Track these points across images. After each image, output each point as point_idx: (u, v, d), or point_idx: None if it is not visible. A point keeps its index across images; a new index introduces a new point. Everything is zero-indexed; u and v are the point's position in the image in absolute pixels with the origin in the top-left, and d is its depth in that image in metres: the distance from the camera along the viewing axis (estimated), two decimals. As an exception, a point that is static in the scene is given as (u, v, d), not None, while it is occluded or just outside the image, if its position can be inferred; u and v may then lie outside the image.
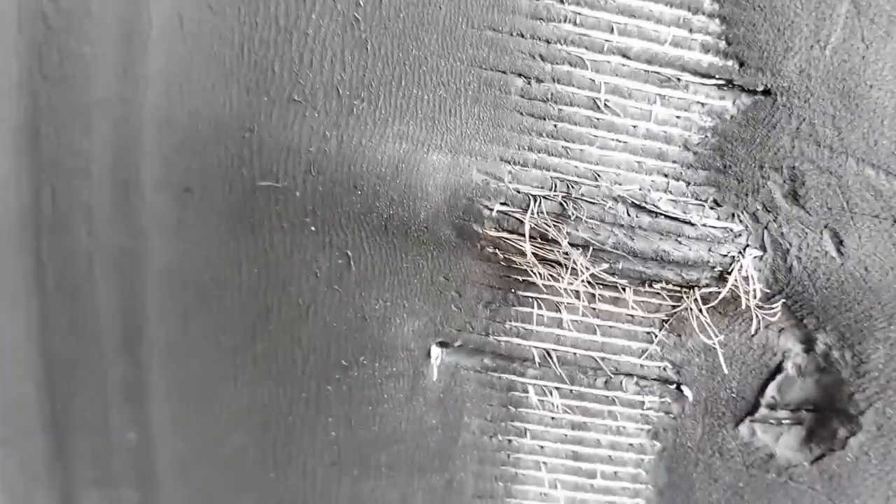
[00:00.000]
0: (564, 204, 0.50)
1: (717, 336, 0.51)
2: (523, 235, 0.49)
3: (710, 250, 0.50)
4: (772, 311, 0.51)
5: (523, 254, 0.50)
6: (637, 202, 0.50)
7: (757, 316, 0.51)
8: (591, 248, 0.50)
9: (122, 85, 0.51)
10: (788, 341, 0.53)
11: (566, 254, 0.50)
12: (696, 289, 0.50)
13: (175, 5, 0.50)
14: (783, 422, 0.54)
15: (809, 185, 0.50)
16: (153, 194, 0.53)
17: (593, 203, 0.50)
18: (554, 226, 0.49)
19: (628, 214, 0.50)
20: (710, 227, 0.50)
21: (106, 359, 0.56)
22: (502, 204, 0.50)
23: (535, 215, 0.49)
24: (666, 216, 0.50)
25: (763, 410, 0.54)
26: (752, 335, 0.52)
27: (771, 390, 0.53)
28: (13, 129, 0.52)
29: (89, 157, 0.53)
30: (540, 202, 0.50)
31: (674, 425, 0.53)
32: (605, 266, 0.50)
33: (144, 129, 0.52)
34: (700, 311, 0.51)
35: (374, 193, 0.51)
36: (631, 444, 0.54)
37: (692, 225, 0.50)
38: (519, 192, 0.50)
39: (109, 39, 0.51)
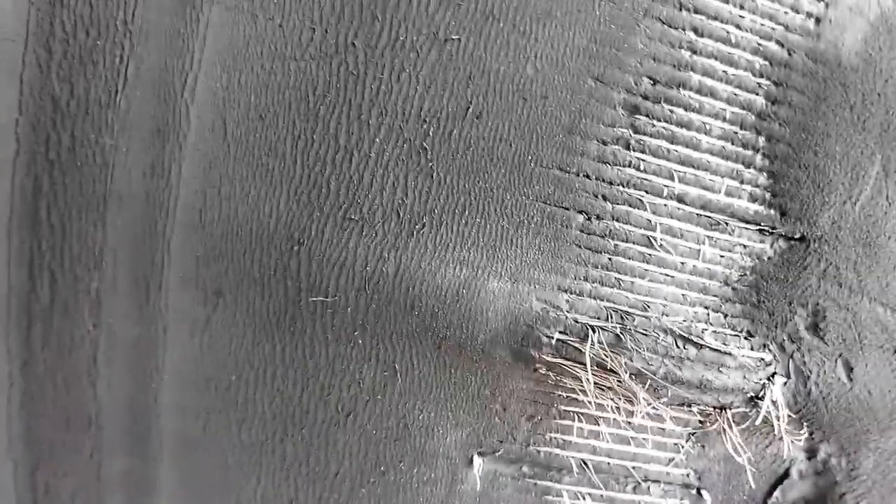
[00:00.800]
0: (621, 336, 0.54)
1: (745, 453, 0.57)
2: (581, 363, 0.54)
3: (744, 377, 0.56)
4: (798, 435, 0.58)
5: (577, 378, 0.55)
6: (685, 334, 0.55)
7: (784, 437, 0.57)
8: (647, 380, 0.54)
9: (149, 182, 0.50)
10: (796, 451, 0.59)
11: (620, 381, 0.54)
12: (727, 410, 0.56)
13: (219, 110, 0.50)
14: (782, 524, 0.62)
15: (829, 320, 0.56)
16: (178, 292, 0.53)
17: (646, 335, 0.54)
18: (612, 356, 0.53)
19: (677, 346, 0.55)
20: (747, 357, 0.56)
21: (104, 450, 0.57)
22: (561, 332, 0.54)
23: (595, 345, 0.53)
24: (710, 348, 0.55)
25: (770, 512, 0.61)
26: (778, 453, 0.58)
27: (777, 493, 0.60)
28: (3, 207, 0.50)
29: (101, 248, 0.52)
30: (598, 333, 0.54)
31: None
32: (665, 399, 0.55)
33: (173, 230, 0.51)
34: (731, 430, 0.56)
35: (432, 315, 0.54)
36: None
37: (732, 356, 0.55)
38: (577, 321, 0.54)
39: (136, 134, 0.50)
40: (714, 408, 0.57)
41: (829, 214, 0.54)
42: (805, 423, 0.59)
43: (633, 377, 0.55)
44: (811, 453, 0.60)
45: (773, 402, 0.57)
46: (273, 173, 0.51)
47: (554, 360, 0.54)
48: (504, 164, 0.51)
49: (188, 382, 0.54)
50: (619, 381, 0.55)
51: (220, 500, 0.57)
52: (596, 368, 0.55)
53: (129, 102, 0.48)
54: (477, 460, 0.56)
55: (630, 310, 0.54)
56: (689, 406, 0.57)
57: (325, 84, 0.50)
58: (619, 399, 0.56)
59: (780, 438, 0.58)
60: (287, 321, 0.54)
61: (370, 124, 0.51)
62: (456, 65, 0.50)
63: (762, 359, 0.57)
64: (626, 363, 0.54)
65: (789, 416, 0.58)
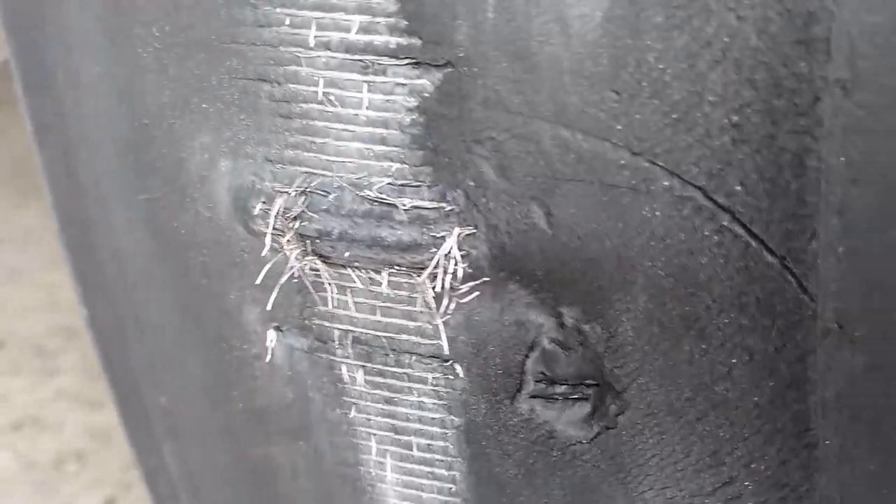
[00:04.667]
0: (305, 197, 0.54)
1: (441, 316, 0.52)
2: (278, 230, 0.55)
3: (422, 233, 0.51)
4: (462, 293, 0.50)
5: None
6: (357, 191, 0.52)
7: (449, 296, 0.50)
8: (320, 239, 0.53)
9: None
10: (539, 316, 0.51)
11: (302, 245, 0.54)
12: (424, 270, 0.51)
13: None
14: (567, 397, 0.52)
15: (511, 155, 0.48)
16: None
17: (326, 195, 0.53)
18: (284, 220, 0.54)
19: (350, 203, 0.53)
20: (421, 208, 0.51)
21: None
22: (263, 203, 0.56)
23: (279, 212, 0.55)
24: (378, 202, 0.52)
25: (537, 386, 0.52)
26: (441, 312, 0.51)
27: (533, 365, 0.52)
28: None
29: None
30: (283, 197, 0.55)
31: (462, 401, 0.55)
32: (330, 250, 0.53)
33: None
34: (426, 291, 0.51)
35: (192, 200, 0.60)
36: (433, 419, 0.56)
37: (398, 208, 0.51)
38: (274, 189, 0.56)
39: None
40: (414, 269, 0.53)
41: (464, 30, 0.47)
42: (516, 282, 0.50)
43: (308, 239, 0.54)
44: (558, 319, 0.51)
45: (447, 256, 0.50)
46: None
47: (264, 231, 0.56)
48: (202, 47, 0.56)
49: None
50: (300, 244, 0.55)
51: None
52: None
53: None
54: (271, 334, 0.61)
55: (315, 171, 0.54)
56: (397, 269, 0.53)
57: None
58: (362, 268, 0.56)
59: (495, 292, 0.50)
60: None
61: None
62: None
63: (442, 209, 0.51)
64: (301, 226, 0.54)
65: (466, 270, 0.50)
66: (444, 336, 0.51)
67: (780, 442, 0.48)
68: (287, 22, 0.52)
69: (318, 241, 0.53)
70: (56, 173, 0.71)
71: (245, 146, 0.56)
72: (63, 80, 0.63)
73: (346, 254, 0.52)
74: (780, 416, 0.47)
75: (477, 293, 0.50)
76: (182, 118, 0.59)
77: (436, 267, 0.50)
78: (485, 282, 0.50)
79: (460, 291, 0.50)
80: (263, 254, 0.54)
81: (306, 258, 0.55)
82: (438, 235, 0.50)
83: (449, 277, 0.49)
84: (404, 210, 0.50)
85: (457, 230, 0.49)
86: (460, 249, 0.50)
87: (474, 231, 0.49)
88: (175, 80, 0.58)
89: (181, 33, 0.57)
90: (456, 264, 0.49)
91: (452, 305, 0.51)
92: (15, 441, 1.65)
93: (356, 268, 0.54)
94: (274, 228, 0.54)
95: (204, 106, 0.57)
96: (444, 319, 0.51)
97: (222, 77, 0.55)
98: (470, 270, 0.50)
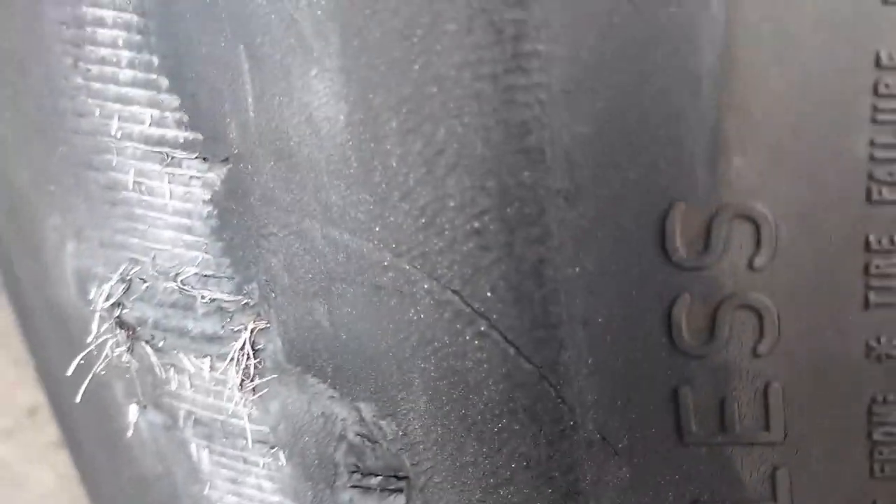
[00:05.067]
0: (121, 285, 0.54)
1: (245, 405, 0.51)
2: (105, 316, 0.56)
3: (223, 326, 0.50)
4: (249, 390, 0.49)
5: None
6: (164, 280, 0.52)
7: (243, 388, 0.50)
8: (140, 327, 0.54)
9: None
10: (342, 410, 0.50)
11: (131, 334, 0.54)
12: (227, 362, 0.51)
13: None
14: (382, 488, 0.51)
15: (293, 253, 0.47)
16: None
17: (145, 281, 0.54)
18: (104, 308, 0.54)
19: (161, 293, 0.53)
20: (220, 300, 0.50)
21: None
22: (97, 287, 0.56)
23: (103, 300, 0.55)
24: (181, 292, 0.51)
25: (352, 476, 0.52)
26: (243, 402, 0.50)
27: (344, 457, 0.51)
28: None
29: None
30: (107, 285, 0.55)
31: (293, 486, 0.54)
32: (150, 337, 0.53)
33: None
34: (232, 383, 0.51)
35: (52, 278, 0.61)
36: (273, 501, 0.56)
37: (198, 300, 0.51)
38: (105, 275, 0.56)
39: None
40: (216, 358, 0.52)
41: (233, 127, 0.46)
42: (313, 376, 0.49)
43: (130, 328, 0.55)
44: (359, 413, 0.50)
45: (241, 349, 0.49)
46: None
47: (98, 317, 0.57)
48: (40, 136, 0.57)
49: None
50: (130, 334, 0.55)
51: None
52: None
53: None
54: (133, 409, 0.62)
55: (139, 257, 0.54)
56: (208, 357, 0.53)
57: None
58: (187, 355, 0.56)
59: (240, 388, 0.50)
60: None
61: None
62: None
63: (240, 302, 0.50)
64: (123, 313, 0.55)
65: (256, 365, 0.49)
66: (248, 425, 0.51)
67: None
68: (97, 113, 0.52)
69: (138, 329, 0.53)
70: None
71: (84, 230, 0.57)
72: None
73: (162, 343, 0.52)
74: (563, 525, 0.45)
75: (270, 384, 0.49)
76: (38, 199, 0.60)
77: (234, 359, 0.49)
78: (280, 376, 0.49)
79: (260, 383, 0.50)
80: (89, 339, 0.54)
81: (135, 343, 0.55)
82: (236, 328, 0.49)
83: (242, 370, 0.49)
84: (203, 302, 0.49)
85: (251, 325, 0.49)
86: (255, 344, 0.49)
87: (268, 325, 0.48)
88: (28, 162, 0.59)
89: (23, 118, 0.57)
90: (248, 358, 0.49)
91: (253, 396, 0.50)
92: (57, 460, 1.70)
93: (182, 353, 0.54)
94: (100, 314, 0.55)
95: (51, 188, 0.58)
96: (249, 409, 0.50)
97: (59, 163, 0.56)
98: (267, 363, 0.49)
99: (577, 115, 0.35)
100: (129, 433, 0.62)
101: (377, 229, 0.43)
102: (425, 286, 0.43)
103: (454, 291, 0.42)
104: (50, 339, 0.72)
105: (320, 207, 0.44)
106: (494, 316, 0.41)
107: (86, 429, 0.75)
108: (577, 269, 0.37)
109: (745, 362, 0.39)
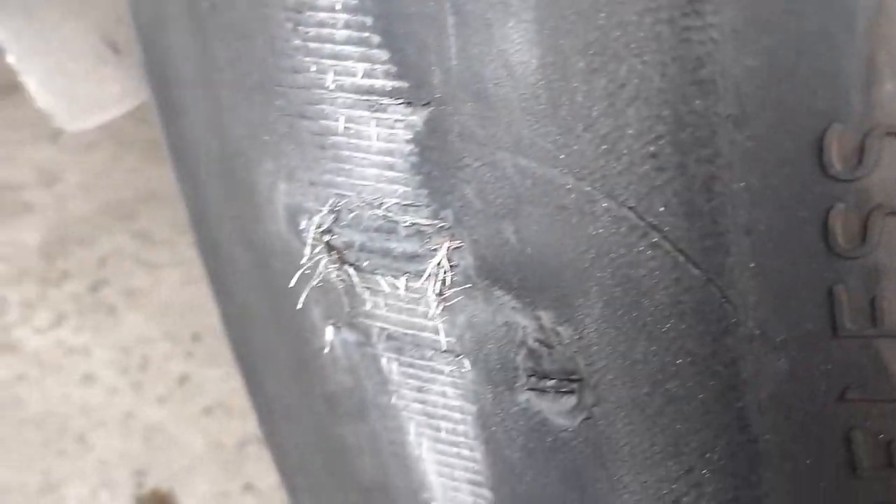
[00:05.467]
0: (336, 215, 0.64)
1: (440, 317, 0.60)
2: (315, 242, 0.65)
3: (421, 245, 0.59)
4: (443, 299, 0.57)
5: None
6: (370, 209, 0.61)
7: (438, 299, 0.58)
8: (347, 250, 0.63)
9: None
10: (523, 319, 0.58)
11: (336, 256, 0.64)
12: (424, 278, 0.60)
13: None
14: (556, 390, 0.59)
15: (485, 182, 0.55)
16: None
17: (351, 211, 0.63)
18: (316, 234, 0.64)
19: (367, 220, 0.62)
20: (419, 224, 0.59)
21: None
22: (307, 220, 0.66)
23: (315, 228, 0.65)
24: (385, 218, 0.61)
25: (529, 379, 0.60)
26: (438, 313, 0.59)
27: (523, 361, 0.59)
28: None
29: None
30: (317, 216, 0.65)
31: (473, 390, 0.63)
32: (355, 259, 0.63)
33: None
34: (427, 295, 0.60)
35: (264, 216, 0.72)
36: (454, 405, 0.65)
37: (400, 223, 0.60)
38: (314, 208, 0.66)
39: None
40: (414, 274, 0.61)
41: (437, 75, 0.55)
42: (500, 289, 0.57)
43: (338, 251, 0.64)
44: (538, 321, 0.58)
45: (438, 265, 0.58)
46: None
47: (306, 243, 0.67)
48: (259, 91, 0.68)
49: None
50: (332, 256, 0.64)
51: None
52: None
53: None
54: (329, 330, 0.72)
55: (344, 193, 0.64)
56: (407, 274, 0.62)
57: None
58: (384, 275, 0.65)
59: (436, 298, 0.58)
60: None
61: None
62: None
63: (436, 225, 0.59)
64: (332, 238, 0.64)
65: (453, 277, 0.57)
66: (442, 333, 0.59)
67: (728, 436, 0.52)
68: (313, 69, 0.61)
69: (345, 252, 0.62)
70: (187, 194, 0.85)
71: (296, 172, 0.66)
72: (179, 113, 0.76)
73: (366, 263, 0.61)
74: (724, 414, 0.52)
75: (462, 297, 0.57)
76: (252, 148, 0.70)
77: (432, 274, 0.58)
78: (471, 287, 0.57)
79: (453, 293, 0.58)
80: (302, 262, 0.64)
81: (342, 266, 0.64)
82: (433, 248, 0.58)
83: (439, 283, 0.57)
84: (404, 226, 0.58)
85: (446, 244, 0.57)
86: (450, 260, 0.58)
87: (461, 245, 0.56)
88: (244, 115, 0.69)
89: (244, 78, 0.67)
90: (445, 272, 0.57)
91: (447, 307, 0.58)
92: (206, 424, 1.84)
93: (380, 274, 0.63)
94: (312, 240, 0.64)
95: (265, 138, 0.68)
96: (443, 319, 0.59)
97: (275, 114, 0.66)
98: (459, 278, 0.57)
99: (745, 50, 0.41)
100: (325, 351, 0.72)
101: (562, 157, 0.50)
102: (604, 205, 0.50)
103: (630, 208, 0.49)
104: (247, 281, 0.83)
105: (512, 140, 0.52)
106: (666, 228, 0.48)
107: (273, 356, 0.85)
108: (743, 184, 0.44)
109: (893, 263, 0.45)
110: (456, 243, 0.57)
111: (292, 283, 0.67)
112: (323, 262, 0.64)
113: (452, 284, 0.58)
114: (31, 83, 1.14)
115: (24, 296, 1.84)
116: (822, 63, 0.42)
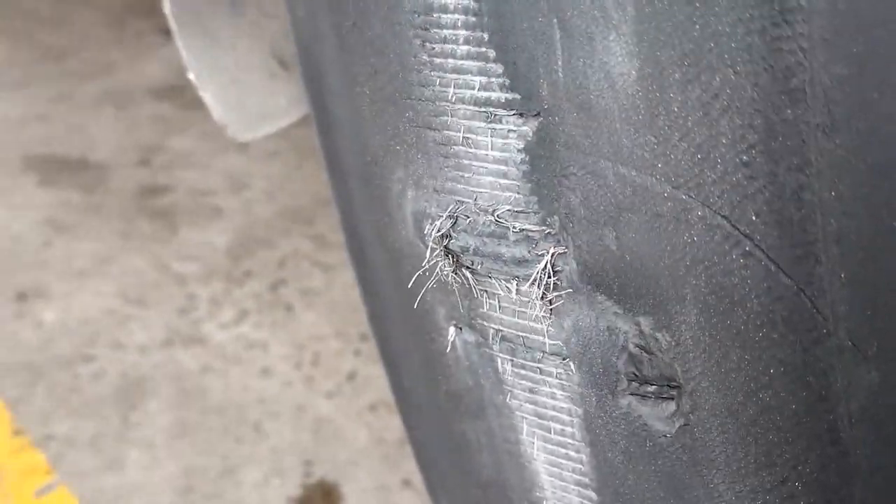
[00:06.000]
0: (454, 220, 0.68)
1: (545, 319, 0.62)
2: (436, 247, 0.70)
3: (529, 251, 0.62)
4: (547, 302, 0.59)
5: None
6: (489, 214, 0.65)
7: (543, 303, 0.60)
8: (463, 254, 0.67)
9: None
10: (624, 324, 0.60)
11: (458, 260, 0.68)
12: (531, 282, 0.63)
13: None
14: (656, 396, 0.61)
15: (588, 190, 0.58)
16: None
17: (468, 217, 0.67)
18: (436, 237, 0.68)
19: (481, 225, 0.66)
20: (528, 230, 0.62)
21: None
22: (429, 224, 0.71)
23: (435, 233, 0.69)
24: (497, 224, 0.64)
25: (631, 384, 0.61)
26: (543, 315, 0.61)
27: (625, 366, 0.61)
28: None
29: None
30: (439, 220, 0.69)
31: (580, 393, 0.65)
32: (471, 263, 0.66)
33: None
34: (534, 299, 0.63)
35: (395, 220, 0.77)
36: (562, 407, 0.67)
37: (511, 229, 0.63)
38: (437, 213, 0.71)
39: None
40: (523, 278, 0.64)
41: (545, 86, 0.58)
42: (602, 294, 0.59)
43: (455, 255, 0.68)
44: (639, 326, 0.59)
45: (544, 270, 0.60)
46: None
47: (428, 247, 0.72)
48: (391, 104, 0.74)
49: None
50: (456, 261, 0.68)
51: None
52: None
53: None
54: (451, 330, 0.77)
55: (463, 199, 0.69)
56: (517, 278, 0.66)
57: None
58: (498, 278, 0.69)
59: (541, 300, 0.60)
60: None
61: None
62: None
63: (544, 231, 0.62)
64: (450, 243, 0.68)
65: (556, 282, 0.60)
66: (546, 336, 0.62)
67: (819, 448, 0.52)
68: (437, 82, 0.65)
69: (461, 255, 0.66)
70: (337, 199, 0.91)
71: (422, 179, 0.71)
72: (331, 124, 0.83)
73: (480, 266, 0.65)
74: (816, 425, 0.51)
75: (566, 301, 0.59)
76: (386, 157, 0.75)
77: (538, 278, 0.61)
78: (575, 292, 0.59)
79: (557, 295, 0.61)
80: (423, 265, 0.68)
81: (459, 269, 0.68)
82: (540, 253, 0.60)
83: (543, 286, 0.60)
84: (514, 232, 0.61)
85: (552, 249, 0.60)
86: (555, 266, 0.60)
87: (566, 251, 0.59)
88: (380, 126, 0.74)
89: (380, 91, 0.73)
90: (549, 277, 0.60)
91: (554, 310, 0.61)
92: (370, 420, 1.93)
93: (493, 277, 0.66)
94: (432, 244, 0.68)
95: (397, 148, 0.73)
96: (549, 323, 0.62)
97: (405, 125, 0.71)
98: (563, 283, 0.60)
99: (835, 59, 0.42)
100: (448, 350, 0.75)
101: (659, 165, 0.52)
102: (699, 213, 0.51)
103: (724, 217, 0.50)
104: (384, 281, 0.88)
105: (612, 149, 0.54)
106: (758, 237, 0.49)
107: (407, 353, 0.90)
108: (833, 193, 0.44)
109: None
110: (561, 249, 0.60)
111: (410, 285, 0.71)
112: (441, 266, 0.68)
113: (557, 289, 0.60)
114: (208, 97, 1.25)
115: (211, 293, 2.00)
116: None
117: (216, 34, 1.25)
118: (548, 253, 0.59)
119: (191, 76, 1.23)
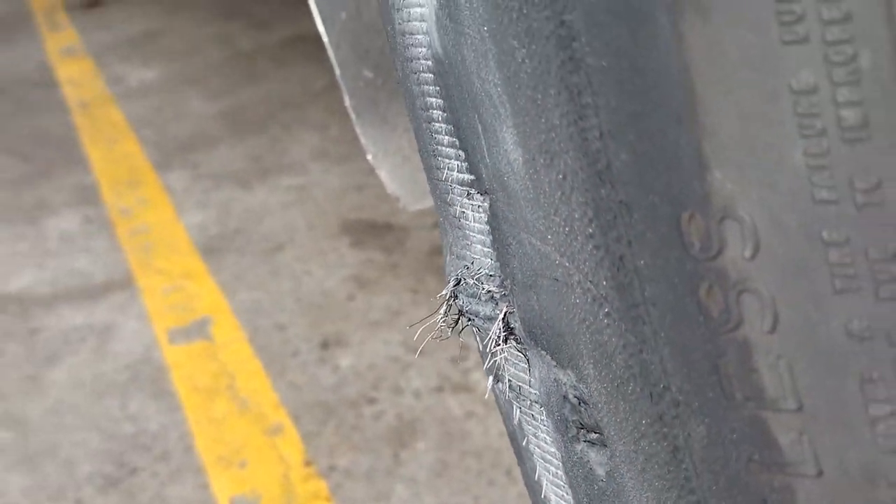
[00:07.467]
0: (452, 284, 0.80)
1: (490, 372, 0.71)
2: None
3: (493, 308, 0.72)
4: (501, 355, 0.68)
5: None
6: (472, 278, 0.76)
7: (488, 356, 0.69)
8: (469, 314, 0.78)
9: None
10: (564, 376, 0.68)
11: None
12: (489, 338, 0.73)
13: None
14: (597, 443, 0.67)
15: (519, 256, 0.68)
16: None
17: (466, 281, 0.78)
18: (444, 299, 0.80)
19: (471, 286, 0.76)
20: (493, 292, 0.72)
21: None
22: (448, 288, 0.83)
23: (448, 294, 0.81)
24: (477, 285, 0.74)
25: (580, 431, 0.68)
26: (491, 367, 0.69)
27: (569, 414, 0.68)
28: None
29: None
30: (449, 282, 0.81)
31: (553, 438, 0.74)
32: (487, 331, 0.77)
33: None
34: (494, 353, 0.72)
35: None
36: (551, 451, 0.75)
37: (483, 291, 0.73)
38: (454, 278, 0.82)
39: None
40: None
41: (482, 170, 0.69)
42: (542, 348, 0.67)
43: (462, 312, 0.79)
44: (570, 378, 0.66)
45: (498, 325, 0.69)
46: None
47: (447, 305, 0.84)
48: (432, 180, 0.88)
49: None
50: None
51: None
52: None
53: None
54: (490, 379, 0.88)
55: (467, 264, 0.80)
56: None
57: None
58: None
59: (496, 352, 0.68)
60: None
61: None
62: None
63: (502, 293, 0.71)
64: (453, 301, 0.79)
65: (501, 336, 0.68)
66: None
67: (676, 496, 0.56)
68: (442, 164, 0.77)
69: (465, 313, 0.77)
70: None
71: (451, 246, 0.82)
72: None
73: (475, 321, 0.75)
74: (678, 475, 0.55)
75: (531, 354, 0.68)
76: (440, 226, 0.88)
77: (493, 334, 0.70)
78: (525, 347, 0.68)
79: (510, 349, 0.69)
80: (439, 319, 0.80)
81: (471, 326, 0.79)
82: (499, 311, 0.70)
83: (493, 341, 0.69)
84: (484, 293, 0.71)
85: (505, 308, 0.69)
86: (509, 323, 0.69)
87: (513, 310, 0.68)
88: (435, 198, 0.87)
89: (433, 172, 0.85)
90: (498, 333, 0.69)
91: (507, 360, 0.70)
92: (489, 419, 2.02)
93: (485, 332, 0.76)
94: (447, 304, 0.79)
95: (441, 218, 0.85)
96: (505, 373, 0.70)
97: (437, 201, 0.83)
98: (518, 338, 0.69)
99: (619, 147, 0.49)
100: (487, 397, 0.85)
101: (549, 237, 0.60)
102: (577, 278, 0.58)
103: (590, 281, 0.57)
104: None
105: (524, 223, 0.62)
106: (610, 299, 0.55)
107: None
108: (642, 262, 0.50)
109: (756, 336, 0.47)
110: (511, 308, 0.68)
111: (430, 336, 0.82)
112: (461, 321, 0.79)
113: (509, 343, 0.69)
114: (383, 175, 1.45)
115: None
116: (669, 153, 0.47)
117: (391, 121, 1.45)
118: (502, 311, 0.68)
119: (368, 157, 1.43)
